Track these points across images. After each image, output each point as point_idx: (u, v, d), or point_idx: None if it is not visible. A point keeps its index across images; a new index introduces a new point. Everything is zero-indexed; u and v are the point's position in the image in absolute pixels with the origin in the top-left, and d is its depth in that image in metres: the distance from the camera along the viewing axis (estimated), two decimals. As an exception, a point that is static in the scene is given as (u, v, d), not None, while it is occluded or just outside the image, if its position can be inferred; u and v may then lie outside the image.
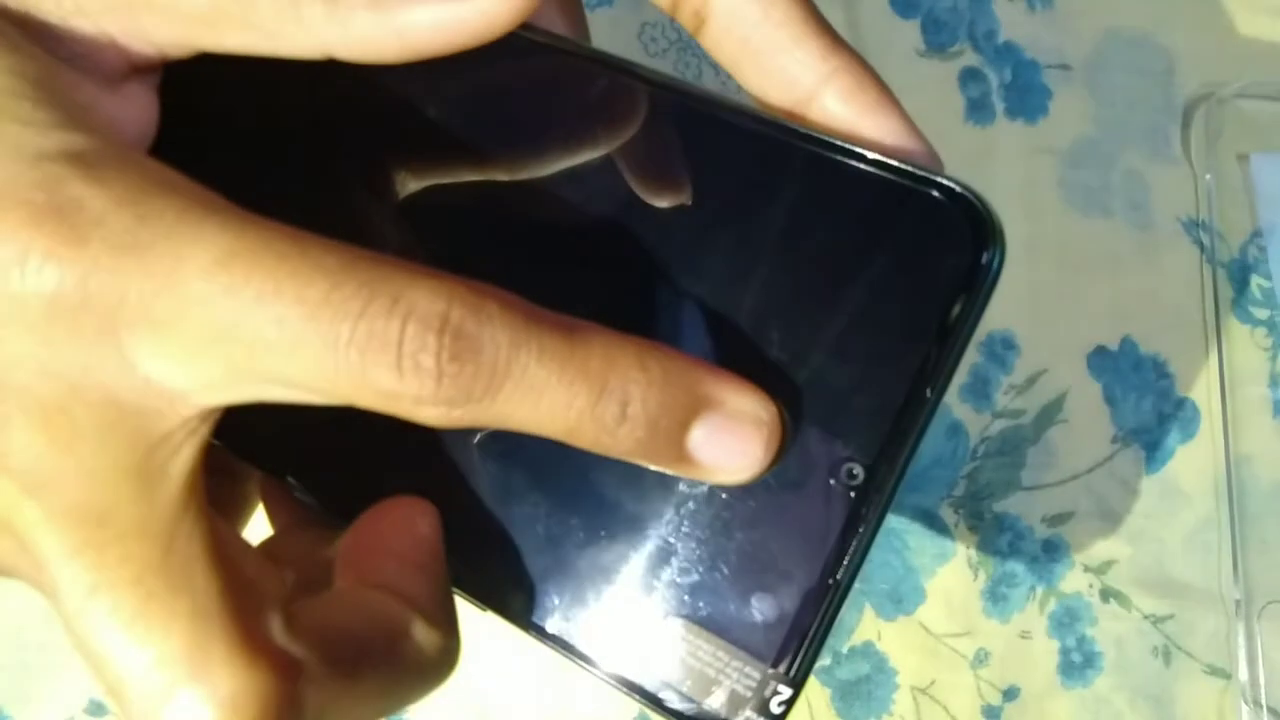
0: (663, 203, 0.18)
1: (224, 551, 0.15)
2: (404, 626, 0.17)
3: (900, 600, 0.34)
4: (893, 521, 0.35)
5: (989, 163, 0.37)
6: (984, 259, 0.16)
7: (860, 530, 0.16)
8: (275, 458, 0.20)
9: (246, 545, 0.17)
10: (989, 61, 0.37)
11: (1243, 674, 0.34)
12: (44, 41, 0.16)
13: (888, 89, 0.18)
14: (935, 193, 0.16)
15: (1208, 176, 0.37)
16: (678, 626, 0.17)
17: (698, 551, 0.17)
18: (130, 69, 0.17)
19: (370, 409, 0.14)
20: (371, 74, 0.17)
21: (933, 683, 0.34)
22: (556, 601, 0.18)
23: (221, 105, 0.20)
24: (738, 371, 0.17)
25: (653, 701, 0.17)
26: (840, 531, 0.16)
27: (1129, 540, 0.35)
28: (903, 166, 0.16)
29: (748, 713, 0.17)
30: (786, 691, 0.17)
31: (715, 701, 0.17)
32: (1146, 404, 0.36)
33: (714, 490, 0.17)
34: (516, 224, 0.19)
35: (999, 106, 0.37)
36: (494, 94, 0.19)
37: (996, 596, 0.35)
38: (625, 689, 0.18)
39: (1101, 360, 0.36)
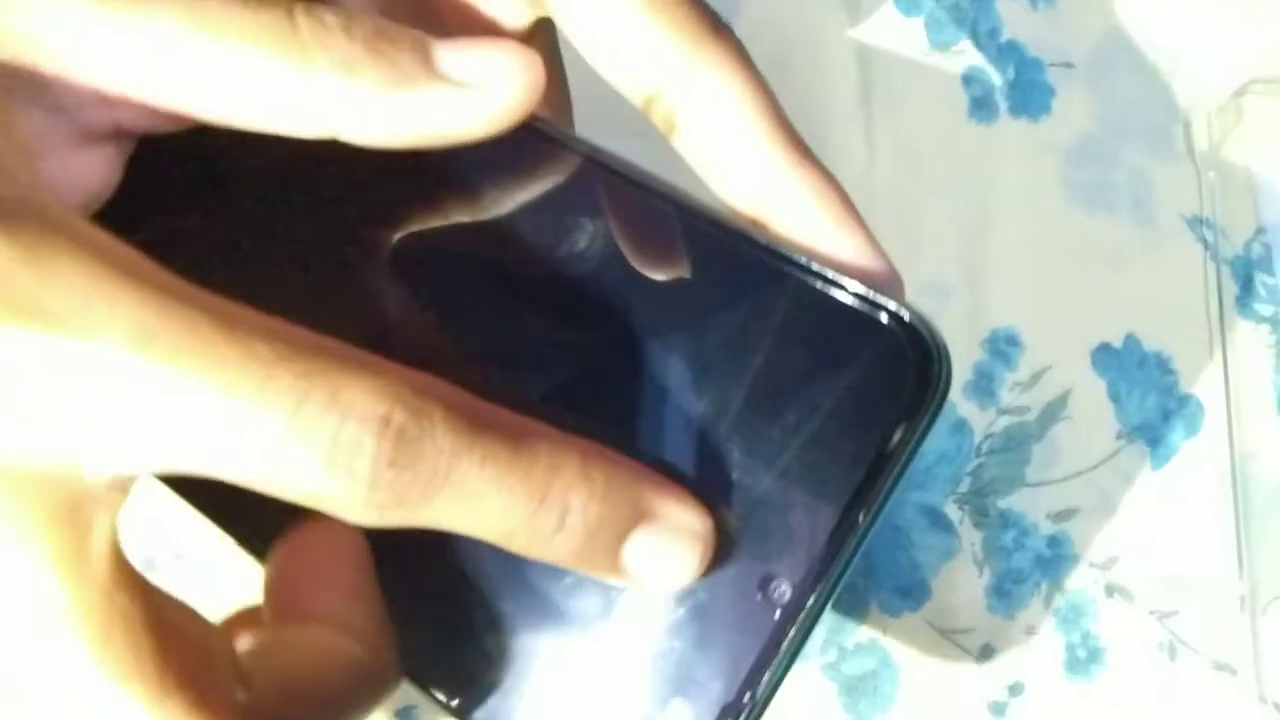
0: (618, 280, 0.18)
1: (166, 622, 0.14)
2: (352, 658, 0.16)
3: (905, 596, 0.35)
4: (897, 518, 0.35)
5: (992, 161, 0.37)
6: (927, 390, 0.16)
7: (782, 648, 0.16)
8: (191, 493, 0.20)
9: (185, 608, 0.16)
10: (992, 60, 0.38)
11: (1249, 669, 0.34)
12: (24, 79, 0.15)
13: (851, 205, 0.18)
14: (884, 318, 0.16)
15: (1211, 174, 0.37)
16: (632, 701, 0.17)
17: (620, 655, 0.17)
18: (112, 133, 0.16)
19: (295, 503, 0.14)
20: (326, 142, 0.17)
21: (938, 678, 0.34)
22: (477, 689, 0.18)
23: (179, 164, 0.19)
24: (672, 475, 0.17)
25: None
26: (762, 648, 0.16)
27: (1134, 536, 0.35)
28: (854, 288, 0.16)
29: None
30: None
31: None
32: (1151, 401, 0.36)
33: (640, 596, 0.17)
34: (471, 299, 0.19)
35: (1002, 105, 0.37)
36: (454, 165, 0.18)
37: (1001, 593, 0.35)
38: None
39: (1105, 357, 0.36)
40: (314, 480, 0.13)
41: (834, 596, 0.16)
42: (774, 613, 0.16)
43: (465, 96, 0.16)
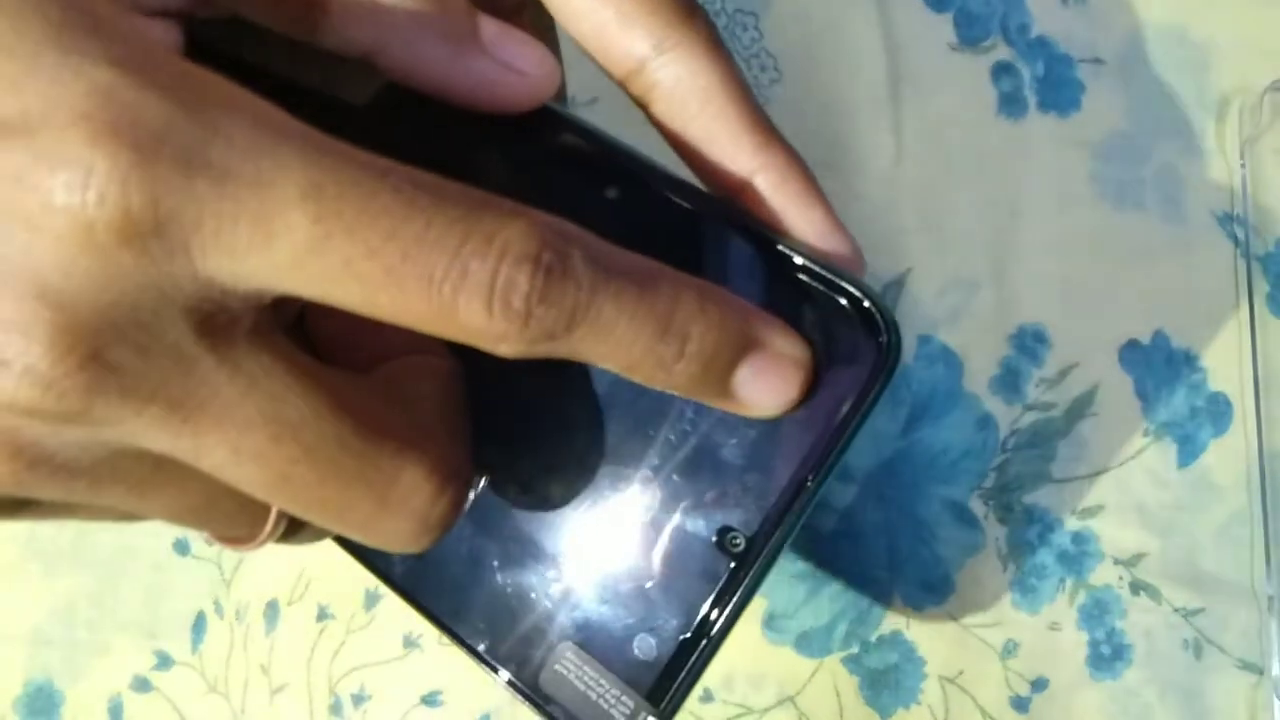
0: None
1: None
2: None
3: (929, 590, 0.35)
4: (921, 512, 0.35)
5: (1021, 157, 0.37)
6: (875, 365, 0.18)
7: (735, 593, 0.18)
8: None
9: None
10: (1021, 55, 0.37)
11: (1275, 669, 0.34)
12: None
13: (814, 184, 0.19)
14: (838, 295, 0.18)
15: (1243, 170, 0.37)
16: (571, 650, 0.20)
17: (597, 588, 0.20)
18: (160, 8, 0.17)
19: (447, 338, 0.15)
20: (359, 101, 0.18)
21: (961, 673, 0.34)
22: (471, 606, 0.20)
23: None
24: (633, 445, 0.19)
25: (540, 709, 0.20)
26: (717, 591, 0.19)
27: (1160, 534, 0.35)
28: (813, 265, 0.18)
29: None
30: None
31: (594, 718, 0.19)
32: (1179, 398, 0.36)
33: (617, 537, 0.19)
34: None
35: (1031, 100, 0.37)
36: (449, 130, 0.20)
37: (1026, 588, 0.35)
38: (519, 695, 0.20)
39: (1133, 354, 0.36)
40: (473, 316, 0.14)
41: (784, 548, 0.18)
42: (729, 561, 0.19)
43: (496, 71, 0.18)
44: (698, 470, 0.19)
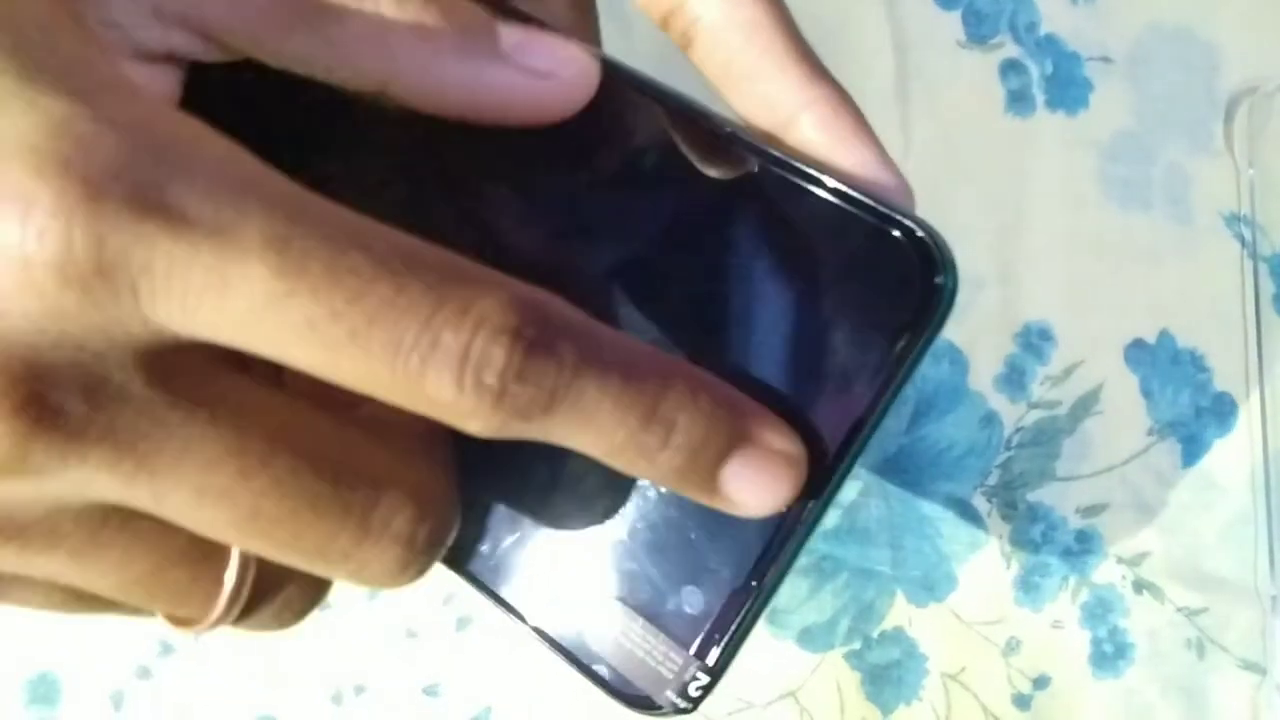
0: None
1: None
2: None
3: (932, 587, 0.35)
4: (925, 509, 0.35)
5: (1028, 155, 0.37)
6: (933, 301, 0.16)
7: (788, 540, 0.17)
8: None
9: None
10: (1030, 53, 0.37)
11: (1277, 669, 0.34)
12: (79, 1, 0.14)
13: (864, 120, 0.18)
14: (894, 230, 0.17)
15: (1251, 171, 0.37)
16: (616, 608, 0.19)
17: (642, 543, 0.19)
18: (164, 56, 0.16)
19: (413, 411, 0.14)
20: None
21: (963, 670, 0.34)
22: (513, 570, 0.19)
23: (228, 102, 0.20)
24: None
25: (586, 671, 0.19)
26: (769, 539, 0.17)
27: (1163, 533, 0.35)
28: (864, 199, 0.17)
29: (668, 693, 0.18)
30: (704, 679, 0.18)
31: (641, 679, 0.18)
32: (1184, 397, 0.36)
33: (660, 491, 0.18)
34: (483, 196, 0.20)
35: (1039, 98, 0.37)
36: None
37: (1029, 585, 0.35)
38: (563, 656, 0.19)
39: (1139, 353, 0.36)
40: (441, 390, 0.13)
41: (835, 497, 0.17)
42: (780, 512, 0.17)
43: (523, 81, 0.17)
44: None
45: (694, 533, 0.18)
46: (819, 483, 0.17)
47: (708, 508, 0.17)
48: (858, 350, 0.17)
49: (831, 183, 0.17)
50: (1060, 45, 0.38)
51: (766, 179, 0.18)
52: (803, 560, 0.35)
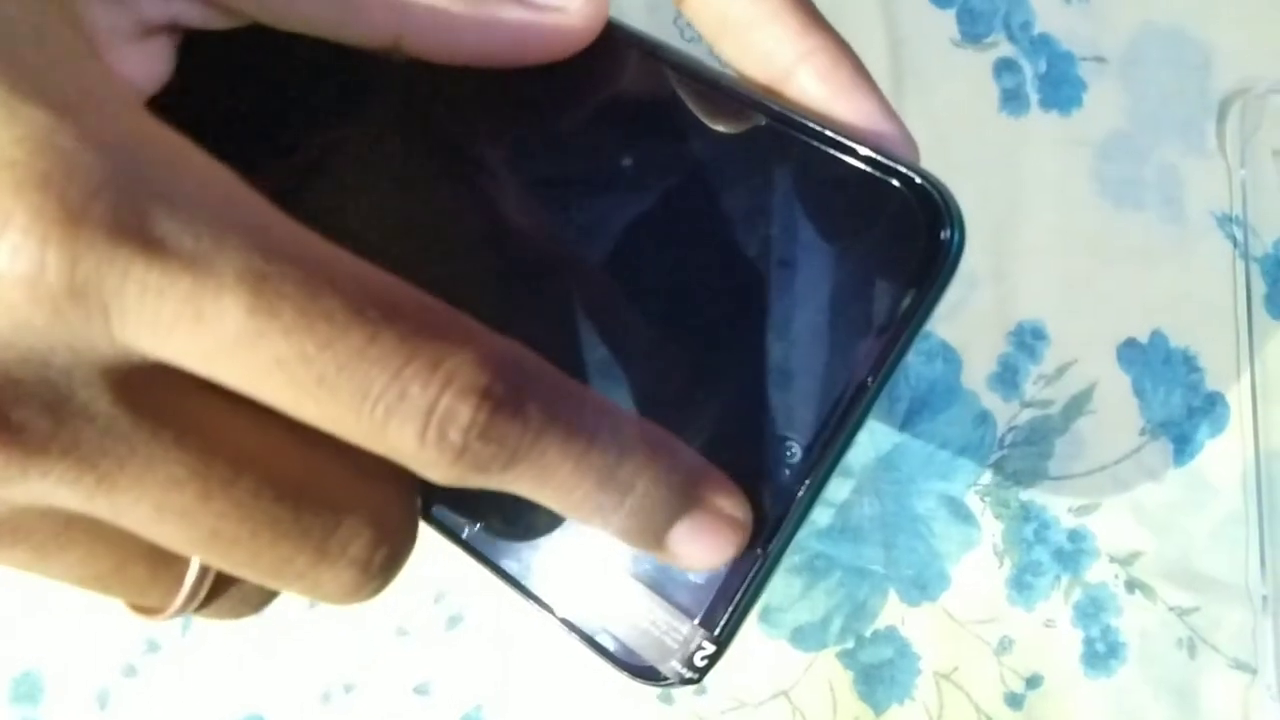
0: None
1: None
2: None
3: (924, 586, 0.35)
4: (918, 508, 0.35)
5: (1022, 154, 0.37)
6: (939, 255, 0.16)
7: (791, 507, 0.17)
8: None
9: None
10: (1024, 52, 0.37)
11: (1269, 669, 0.34)
12: None
13: (864, 70, 0.17)
14: (896, 181, 0.16)
15: (1243, 171, 0.37)
16: (621, 579, 0.18)
17: None
18: (167, 27, 0.16)
19: (377, 454, 0.14)
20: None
21: (956, 669, 0.34)
22: (513, 539, 0.19)
23: (228, 63, 0.19)
24: (684, 340, 0.17)
25: (590, 642, 0.18)
26: (772, 506, 0.17)
27: (1156, 532, 0.35)
28: (866, 152, 0.16)
29: (673, 663, 0.18)
30: (710, 648, 0.17)
31: (645, 650, 0.18)
32: (1176, 397, 0.36)
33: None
34: (479, 149, 0.19)
35: (1033, 98, 0.37)
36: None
37: (1021, 585, 0.35)
38: (567, 627, 0.19)
39: (1131, 352, 0.36)
40: (403, 441, 0.13)
41: (843, 458, 0.17)
42: (785, 472, 0.17)
43: (534, 18, 0.16)
44: (748, 375, 0.17)
45: None
46: (827, 442, 0.17)
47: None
48: (863, 307, 0.16)
49: (832, 135, 0.17)
50: (1054, 45, 0.38)
51: (766, 134, 0.17)
52: (795, 559, 0.34)
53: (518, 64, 0.17)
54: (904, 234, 0.16)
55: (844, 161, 0.16)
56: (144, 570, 0.16)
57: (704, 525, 0.16)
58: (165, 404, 0.13)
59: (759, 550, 0.17)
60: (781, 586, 0.34)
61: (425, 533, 0.35)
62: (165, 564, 0.16)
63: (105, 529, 0.14)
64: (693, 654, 0.18)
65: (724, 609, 0.17)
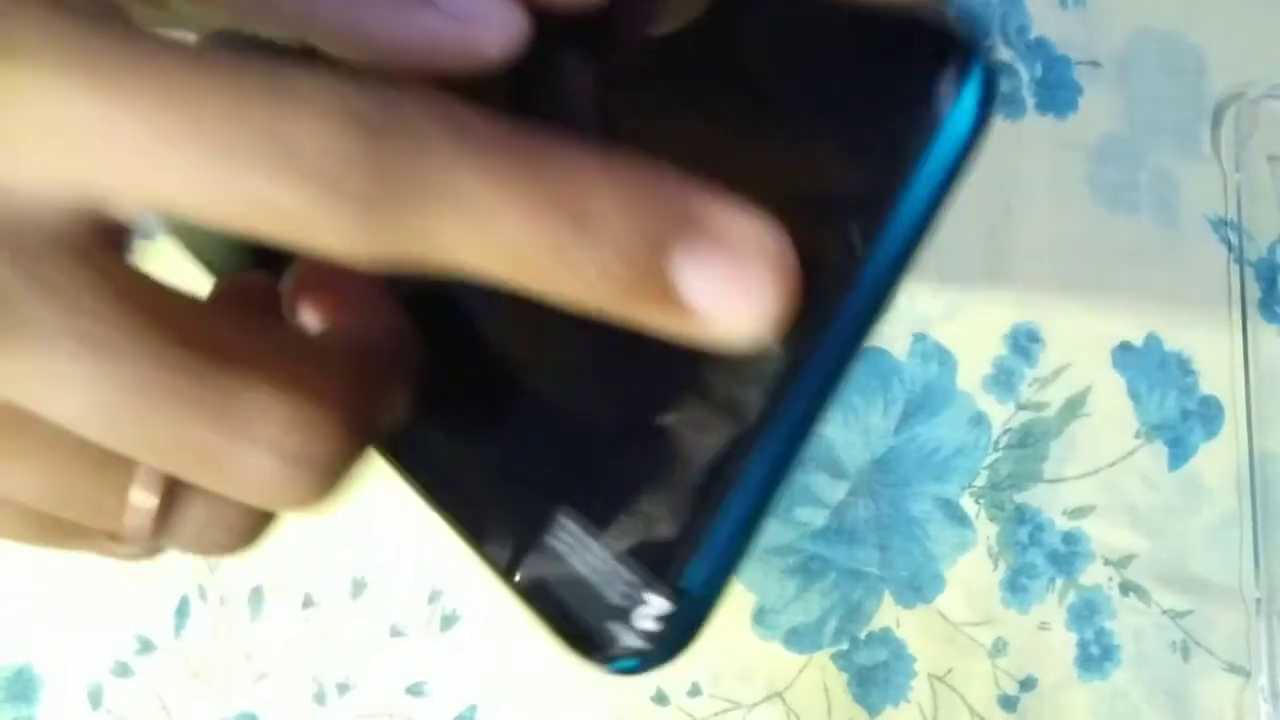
0: None
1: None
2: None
3: (919, 588, 0.35)
4: (913, 510, 0.35)
5: (1017, 157, 0.37)
6: (968, 113, 0.11)
7: (784, 428, 0.12)
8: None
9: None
10: (1020, 56, 0.38)
11: (1262, 672, 0.34)
12: None
13: None
14: (921, 26, 0.12)
15: (1237, 176, 0.37)
16: (566, 518, 0.14)
17: (601, 432, 0.14)
18: None
19: (269, 238, 0.12)
20: None
21: (950, 671, 0.34)
22: (451, 470, 0.16)
23: None
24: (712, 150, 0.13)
25: (525, 601, 0.15)
26: (756, 425, 0.13)
27: (1150, 535, 0.35)
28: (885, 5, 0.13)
29: (614, 626, 0.13)
30: (665, 606, 0.13)
31: (591, 613, 0.14)
32: (1170, 400, 0.36)
33: (620, 359, 0.14)
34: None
35: (1029, 101, 0.37)
36: None
37: (1016, 587, 0.35)
38: (505, 583, 0.15)
39: (1126, 356, 0.36)
40: (283, 192, 0.11)
41: (848, 366, 0.13)
42: (773, 383, 0.13)
43: (450, 29, 0.15)
44: None
45: (668, 416, 0.14)
46: (808, 335, 0.12)
47: (685, 379, 0.13)
48: (864, 184, 0.12)
49: None
50: (1050, 49, 0.38)
51: None
52: (790, 560, 0.34)
53: (427, 73, 0.16)
54: (929, 79, 0.12)
55: (867, 12, 0.13)
56: (90, 478, 0.14)
57: (715, 250, 0.12)
58: (58, 267, 0.12)
59: (739, 469, 0.12)
60: (776, 588, 0.34)
61: (423, 534, 0.34)
62: (110, 469, 0.15)
63: (37, 431, 0.14)
64: (643, 613, 0.13)
65: (689, 546, 0.13)
